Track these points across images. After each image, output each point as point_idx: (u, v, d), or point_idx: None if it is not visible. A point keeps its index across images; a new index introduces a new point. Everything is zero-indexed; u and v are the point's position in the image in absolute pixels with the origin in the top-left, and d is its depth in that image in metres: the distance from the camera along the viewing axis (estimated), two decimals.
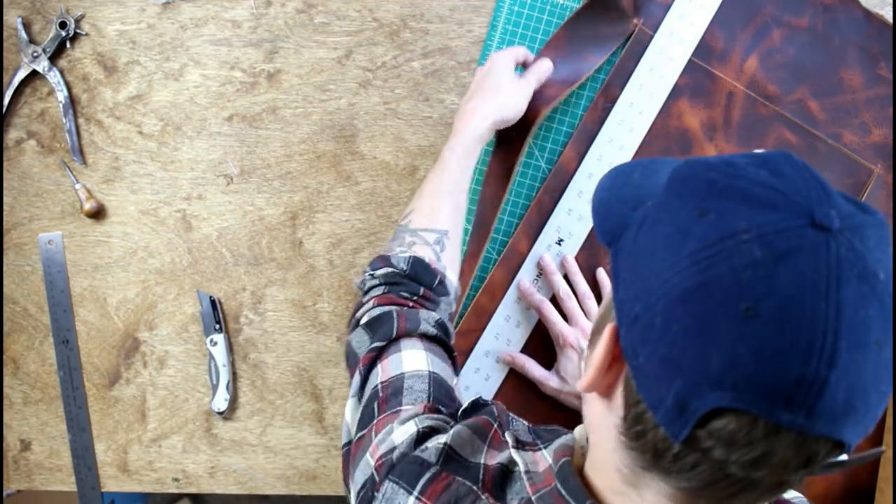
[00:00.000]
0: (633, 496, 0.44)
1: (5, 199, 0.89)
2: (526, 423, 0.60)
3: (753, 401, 0.35)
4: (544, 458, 0.52)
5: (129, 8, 0.87)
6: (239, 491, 0.92)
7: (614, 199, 0.46)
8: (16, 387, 0.91)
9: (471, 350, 0.85)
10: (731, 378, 0.35)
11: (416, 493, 0.50)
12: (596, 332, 0.46)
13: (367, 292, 0.70)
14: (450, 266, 0.71)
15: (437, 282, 0.68)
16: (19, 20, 0.86)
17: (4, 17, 0.87)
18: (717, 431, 0.37)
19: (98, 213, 0.88)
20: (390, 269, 0.68)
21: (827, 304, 0.35)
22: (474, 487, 0.50)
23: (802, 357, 0.35)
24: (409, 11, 0.86)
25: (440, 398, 0.60)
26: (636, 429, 0.41)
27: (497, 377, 0.86)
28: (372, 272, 0.69)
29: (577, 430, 0.55)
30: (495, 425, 0.56)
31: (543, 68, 0.79)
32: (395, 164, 0.88)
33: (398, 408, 0.58)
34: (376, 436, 0.56)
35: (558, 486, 0.47)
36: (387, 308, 0.65)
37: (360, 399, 0.62)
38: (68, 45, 0.87)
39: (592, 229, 0.85)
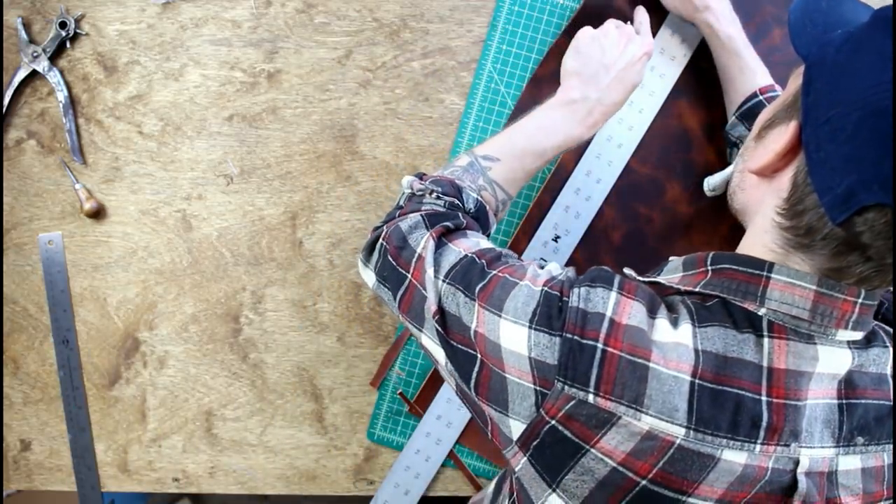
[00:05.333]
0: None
1: (5, 199, 0.89)
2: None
3: None
4: (673, 272, 0.57)
5: (129, 8, 0.87)
6: (239, 491, 0.92)
7: (807, 20, 0.54)
8: (16, 387, 0.91)
9: None
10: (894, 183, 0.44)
11: (615, 289, 0.52)
12: (768, 127, 0.55)
13: (414, 199, 0.66)
14: (494, 222, 0.70)
15: (488, 231, 0.68)
16: (19, 20, 0.86)
17: (4, 17, 0.87)
18: (871, 220, 0.45)
19: (98, 213, 0.88)
20: (457, 201, 0.65)
21: None
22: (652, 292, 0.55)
23: None
24: (409, 11, 0.86)
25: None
26: (797, 208, 0.50)
27: None
28: (439, 192, 0.65)
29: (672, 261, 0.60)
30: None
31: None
32: (395, 164, 0.88)
33: (513, 262, 0.58)
34: (512, 279, 0.55)
35: (724, 266, 0.54)
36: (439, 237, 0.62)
37: (438, 270, 0.58)
38: (68, 45, 0.87)
39: (590, 227, 0.85)
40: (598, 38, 0.70)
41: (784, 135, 0.51)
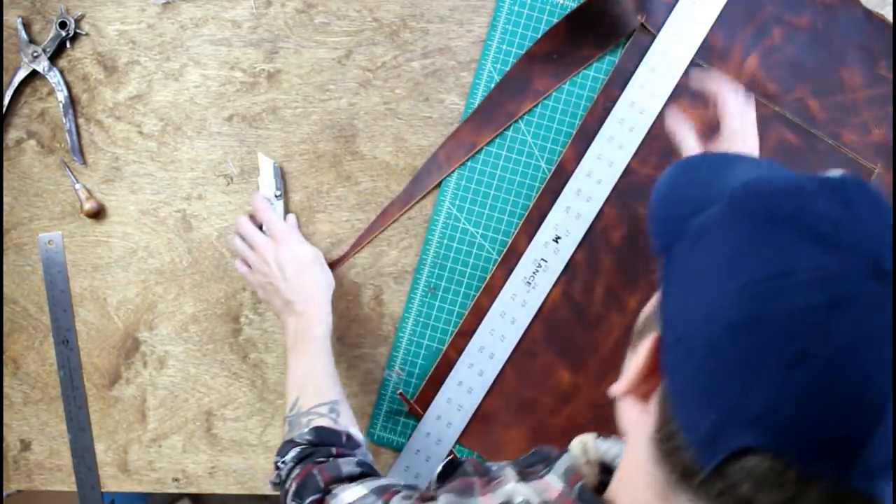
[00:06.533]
0: None
1: (5, 199, 0.89)
2: (505, 462, 0.58)
3: (788, 447, 0.34)
4: (554, 485, 0.49)
5: (129, 8, 0.87)
6: (239, 491, 0.92)
7: (675, 198, 0.44)
8: (16, 387, 0.91)
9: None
10: (769, 421, 0.34)
11: None
12: (640, 333, 0.44)
13: (285, 481, 0.69)
14: (351, 425, 0.73)
15: (344, 438, 0.71)
16: (19, 20, 0.86)
17: (4, 17, 0.87)
18: (747, 468, 0.35)
19: (98, 213, 0.88)
20: (298, 448, 0.70)
21: (880, 361, 0.33)
22: None
23: (846, 412, 0.33)
24: (409, 11, 0.86)
25: (402, 488, 0.59)
26: (668, 445, 0.39)
27: (491, 373, 0.86)
28: (283, 460, 0.70)
29: (574, 445, 0.53)
30: (475, 478, 0.54)
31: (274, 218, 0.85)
32: (395, 164, 0.88)
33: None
34: None
35: None
36: (306, 474, 0.66)
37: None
38: (68, 45, 0.87)
39: (590, 227, 0.85)
40: (257, 264, 0.81)
41: (641, 351, 0.40)
